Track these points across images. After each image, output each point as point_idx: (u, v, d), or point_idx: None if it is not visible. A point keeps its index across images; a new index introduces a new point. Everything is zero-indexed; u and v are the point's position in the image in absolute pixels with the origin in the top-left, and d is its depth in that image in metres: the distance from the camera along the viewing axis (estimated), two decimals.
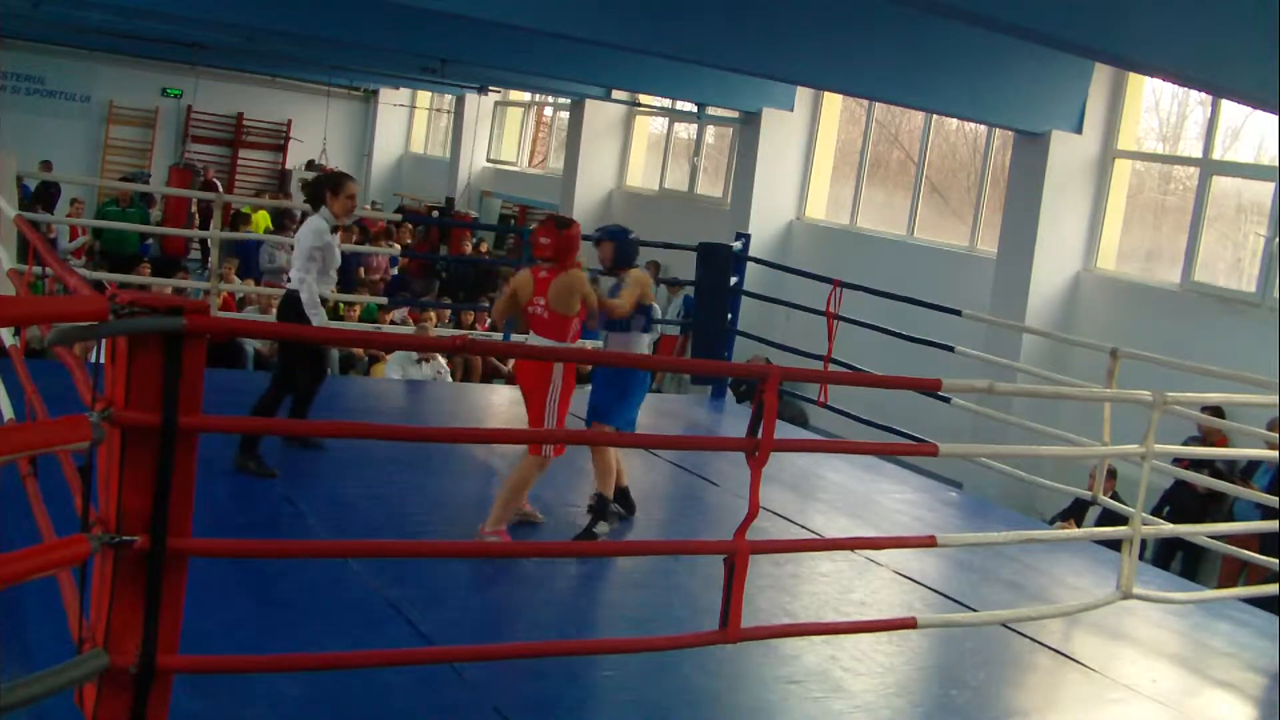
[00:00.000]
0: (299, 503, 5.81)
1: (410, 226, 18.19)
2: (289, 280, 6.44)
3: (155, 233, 16.25)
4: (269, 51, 18.81)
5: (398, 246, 16.19)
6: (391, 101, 25.35)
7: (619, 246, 6.16)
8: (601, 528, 5.92)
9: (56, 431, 2.63)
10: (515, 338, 7.94)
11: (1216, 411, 9.03)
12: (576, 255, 5.79)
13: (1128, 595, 5.11)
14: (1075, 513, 9.58)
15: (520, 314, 5.88)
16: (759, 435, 3.66)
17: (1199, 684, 5.49)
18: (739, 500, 6.56)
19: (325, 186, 6.38)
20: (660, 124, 19.30)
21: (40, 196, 17.86)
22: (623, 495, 6.29)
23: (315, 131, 23.60)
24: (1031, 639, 5.38)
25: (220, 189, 20.73)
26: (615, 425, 6.07)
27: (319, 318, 6.25)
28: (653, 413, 9.51)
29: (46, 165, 18.92)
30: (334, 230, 6.39)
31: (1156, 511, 9.20)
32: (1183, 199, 12.25)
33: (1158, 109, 12.68)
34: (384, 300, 12.90)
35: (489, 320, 13.82)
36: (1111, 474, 8.54)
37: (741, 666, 4.53)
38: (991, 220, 13.33)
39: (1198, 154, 11.67)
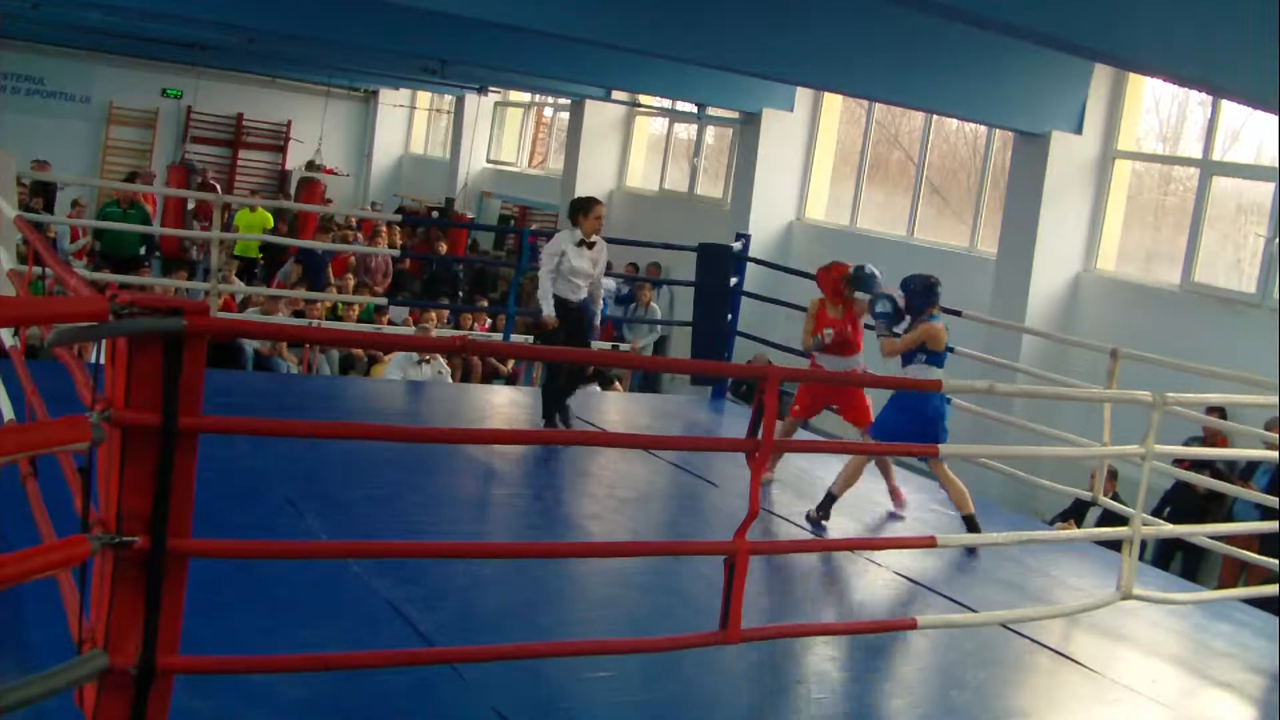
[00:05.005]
0: (299, 503, 5.80)
1: (402, 228, 18.22)
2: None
3: (156, 233, 16.22)
4: (269, 52, 18.79)
5: (386, 246, 16.28)
6: (391, 102, 25.32)
7: (910, 296, 6.98)
8: (825, 522, 6.75)
9: (56, 432, 2.63)
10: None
11: (1219, 412, 9.03)
12: (835, 289, 7.22)
13: (1128, 596, 5.11)
14: (1075, 513, 9.58)
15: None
16: (759, 435, 3.67)
17: (1199, 684, 5.49)
18: (739, 500, 6.56)
19: (578, 210, 7.58)
20: (660, 124, 19.28)
21: (38, 194, 17.80)
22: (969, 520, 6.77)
23: (316, 132, 23.59)
24: (1031, 639, 5.37)
25: (219, 190, 20.71)
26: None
27: (547, 306, 7.52)
28: (653, 413, 9.52)
29: (43, 164, 18.86)
30: (580, 244, 7.57)
31: (1157, 512, 9.19)
32: (1183, 199, 12.24)
33: (1158, 109, 12.67)
34: (384, 300, 12.90)
35: (489, 321, 13.83)
36: (1112, 474, 8.54)
37: (741, 666, 4.53)
38: (991, 220, 13.32)
39: (1198, 154, 11.66)
